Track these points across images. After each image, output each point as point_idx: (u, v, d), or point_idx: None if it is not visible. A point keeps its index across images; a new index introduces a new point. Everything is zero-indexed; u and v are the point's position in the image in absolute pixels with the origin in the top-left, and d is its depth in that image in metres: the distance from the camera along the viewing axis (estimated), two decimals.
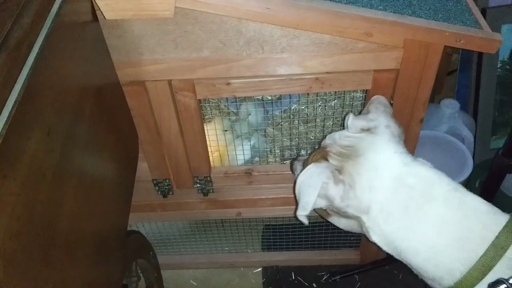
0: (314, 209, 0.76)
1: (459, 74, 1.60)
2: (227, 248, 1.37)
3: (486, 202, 0.62)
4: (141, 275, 1.03)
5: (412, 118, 0.90)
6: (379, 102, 0.77)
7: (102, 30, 0.75)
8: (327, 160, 0.71)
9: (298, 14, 0.74)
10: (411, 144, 0.95)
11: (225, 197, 1.10)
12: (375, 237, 0.67)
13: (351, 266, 1.34)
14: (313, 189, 0.67)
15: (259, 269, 1.38)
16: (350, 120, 0.73)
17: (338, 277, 1.32)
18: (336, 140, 0.73)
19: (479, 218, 0.60)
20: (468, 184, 1.42)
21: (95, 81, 0.72)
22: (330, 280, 1.33)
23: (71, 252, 0.59)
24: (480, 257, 0.56)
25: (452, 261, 0.59)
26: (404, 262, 0.66)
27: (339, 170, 0.68)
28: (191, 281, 1.37)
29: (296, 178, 0.77)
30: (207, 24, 0.76)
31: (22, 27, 0.53)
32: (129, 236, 0.95)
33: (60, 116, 0.58)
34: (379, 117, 0.72)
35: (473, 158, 1.30)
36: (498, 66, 1.43)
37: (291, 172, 1.04)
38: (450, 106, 1.37)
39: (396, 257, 0.67)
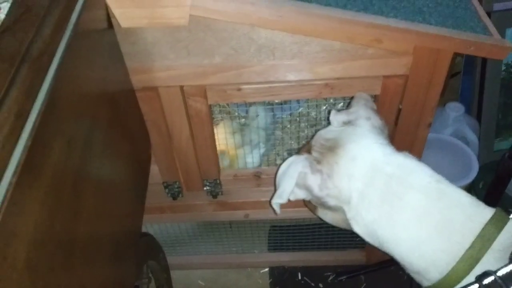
0: (306, 204, 0.80)
1: (462, 77, 1.61)
2: (234, 249, 1.38)
3: (469, 194, 0.62)
4: (151, 276, 1.04)
5: (420, 123, 0.91)
6: (360, 96, 0.80)
7: (116, 37, 0.76)
8: (310, 153, 0.73)
9: (309, 21, 0.75)
10: (419, 147, 0.97)
11: (233, 199, 1.11)
12: (357, 228, 0.68)
13: (357, 267, 1.35)
14: (289, 177, 0.71)
15: (266, 269, 1.39)
16: (332, 114, 0.76)
17: (344, 277, 1.34)
18: (322, 135, 0.75)
19: (463, 210, 0.60)
20: (472, 187, 1.43)
21: (110, 88, 0.73)
22: (336, 281, 1.34)
23: (89, 257, 0.60)
24: (467, 249, 0.57)
25: (435, 252, 0.60)
26: (388, 253, 0.66)
27: (318, 161, 0.71)
28: (199, 281, 1.38)
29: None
30: (219, 32, 0.77)
31: (43, 38, 0.54)
32: (141, 239, 0.96)
33: (79, 124, 0.59)
34: (359, 110, 0.75)
35: (477, 160, 1.31)
36: (502, 69, 1.44)
37: None
38: (455, 109, 1.38)
39: (380, 248, 0.67)
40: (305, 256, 1.38)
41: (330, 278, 1.35)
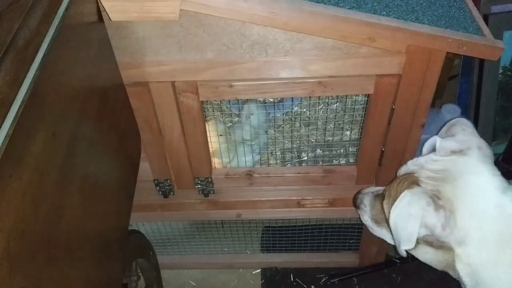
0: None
1: (460, 79, 1.60)
2: (226, 249, 1.37)
3: None
4: (140, 274, 1.03)
5: (413, 123, 0.90)
6: (464, 124, 0.73)
7: (107, 31, 0.75)
8: (419, 185, 0.66)
9: (302, 18, 0.74)
10: (412, 148, 0.96)
11: (225, 198, 1.10)
12: (460, 266, 0.63)
13: (349, 269, 1.34)
14: (414, 218, 0.63)
15: (258, 270, 1.38)
16: (439, 142, 0.69)
17: (337, 279, 1.33)
18: (423, 164, 0.69)
19: None
20: None
21: (99, 82, 0.72)
22: (328, 283, 1.33)
23: (73, 252, 0.59)
24: None
25: None
26: None
27: (437, 195, 0.63)
28: (190, 281, 1.37)
29: (363, 214, 0.77)
30: (211, 27, 0.77)
31: (30, 28, 0.54)
32: (130, 236, 0.95)
33: (65, 116, 0.59)
34: (470, 139, 0.68)
35: None
36: (500, 72, 1.43)
37: (292, 175, 1.05)
38: (451, 111, 1.38)
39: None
40: (298, 258, 1.37)
41: (323, 280, 1.34)
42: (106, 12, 0.71)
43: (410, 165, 0.71)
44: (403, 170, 0.72)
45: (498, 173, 0.64)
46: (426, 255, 0.68)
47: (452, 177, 0.64)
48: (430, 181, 0.65)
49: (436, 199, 0.63)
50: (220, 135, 1.03)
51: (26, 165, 0.48)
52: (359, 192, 0.84)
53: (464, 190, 0.62)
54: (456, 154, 0.67)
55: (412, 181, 0.67)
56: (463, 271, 0.63)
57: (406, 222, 0.64)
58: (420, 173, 0.68)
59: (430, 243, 0.66)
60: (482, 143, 0.68)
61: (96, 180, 0.68)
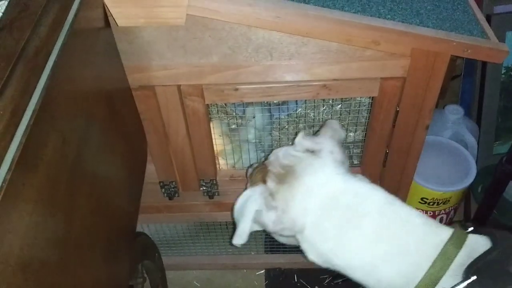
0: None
1: (463, 79, 1.61)
2: (230, 250, 1.38)
3: (422, 214, 0.63)
4: (146, 276, 1.04)
5: (417, 125, 0.91)
6: (329, 126, 0.79)
7: (114, 36, 0.76)
8: (265, 181, 0.71)
9: (307, 22, 0.75)
10: (417, 150, 0.97)
11: (230, 200, 1.11)
12: (311, 256, 0.68)
13: None
14: (246, 217, 0.70)
15: (262, 271, 1.39)
16: (298, 138, 0.74)
17: (340, 280, 1.33)
18: (279, 157, 0.73)
19: (417, 231, 0.61)
20: (471, 190, 1.43)
21: (106, 86, 0.73)
22: (332, 283, 1.34)
23: (83, 255, 0.60)
24: (428, 269, 0.57)
25: (392, 275, 0.60)
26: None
27: (273, 195, 0.69)
28: (195, 282, 1.38)
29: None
30: (217, 31, 0.77)
31: (40, 36, 0.54)
32: (136, 238, 0.96)
33: (74, 122, 0.59)
34: (325, 142, 0.73)
35: (476, 163, 1.31)
36: (502, 72, 1.44)
37: None
38: (454, 112, 1.38)
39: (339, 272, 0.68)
40: (302, 258, 1.37)
41: (327, 280, 1.35)
42: (113, 18, 0.71)
43: (272, 155, 0.76)
44: (269, 157, 0.77)
45: (339, 171, 0.68)
46: (280, 238, 0.75)
47: (293, 176, 0.69)
48: (276, 177, 0.70)
49: (270, 200, 0.69)
50: (223, 135, 1.04)
51: (39, 172, 0.48)
52: (250, 166, 0.89)
53: (299, 189, 0.67)
54: (309, 153, 0.72)
55: (262, 175, 0.73)
56: (317, 261, 0.68)
57: (240, 220, 0.71)
58: (273, 167, 0.72)
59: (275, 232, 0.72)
60: (335, 148, 0.72)
61: (103, 183, 0.69)
